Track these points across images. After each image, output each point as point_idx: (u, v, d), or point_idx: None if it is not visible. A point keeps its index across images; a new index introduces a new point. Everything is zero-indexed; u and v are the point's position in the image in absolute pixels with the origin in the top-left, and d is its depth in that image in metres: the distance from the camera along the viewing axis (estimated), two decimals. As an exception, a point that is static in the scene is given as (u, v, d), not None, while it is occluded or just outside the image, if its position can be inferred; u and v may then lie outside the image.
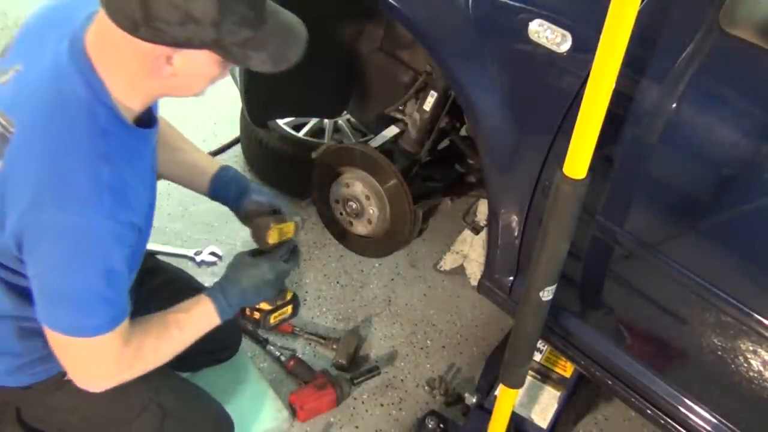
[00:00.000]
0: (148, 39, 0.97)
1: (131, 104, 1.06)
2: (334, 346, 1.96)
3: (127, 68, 1.03)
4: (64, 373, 1.26)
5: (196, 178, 1.45)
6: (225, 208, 1.47)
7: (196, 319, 1.25)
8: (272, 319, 1.48)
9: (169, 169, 1.42)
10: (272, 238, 1.37)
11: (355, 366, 1.95)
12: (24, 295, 1.14)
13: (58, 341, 1.09)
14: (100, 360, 1.12)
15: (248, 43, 1.01)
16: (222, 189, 1.45)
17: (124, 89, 1.04)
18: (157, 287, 1.55)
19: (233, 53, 1.02)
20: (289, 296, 1.49)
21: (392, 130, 1.73)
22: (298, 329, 2.02)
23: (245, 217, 1.45)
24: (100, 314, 1.06)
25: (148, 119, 1.15)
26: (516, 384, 1.44)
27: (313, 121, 2.54)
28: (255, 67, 1.05)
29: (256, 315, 1.46)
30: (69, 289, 1.04)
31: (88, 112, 1.02)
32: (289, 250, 1.43)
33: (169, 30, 0.95)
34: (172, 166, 1.42)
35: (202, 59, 1.02)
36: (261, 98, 1.90)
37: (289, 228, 1.41)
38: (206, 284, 1.58)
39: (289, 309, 1.50)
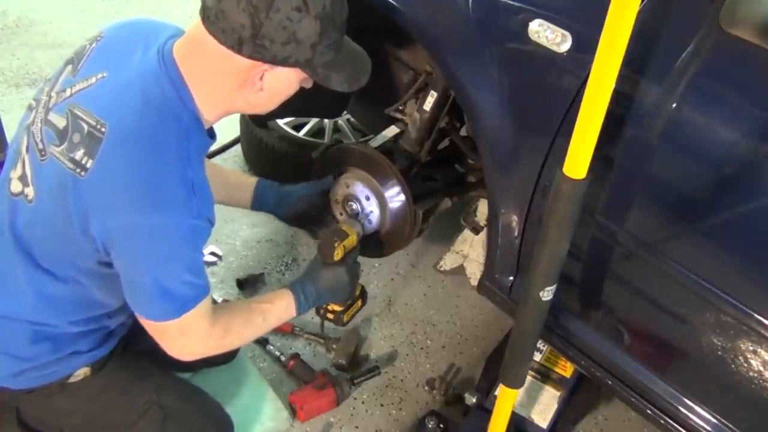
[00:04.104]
0: (249, 55, 1.03)
1: (208, 116, 1.13)
2: (334, 346, 1.97)
3: (216, 82, 1.09)
4: (66, 377, 1.28)
5: (240, 194, 1.53)
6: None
7: (278, 310, 1.35)
8: (345, 317, 1.60)
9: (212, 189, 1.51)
10: (338, 255, 1.43)
11: (355, 366, 1.95)
12: (46, 300, 1.19)
13: (150, 325, 1.16)
14: (190, 338, 1.19)
15: (331, 64, 1.12)
16: (262, 199, 1.53)
17: (206, 102, 1.10)
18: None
19: (318, 73, 1.12)
20: (357, 291, 1.59)
21: (392, 130, 1.73)
22: (298, 329, 2.02)
23: (295, 222, 1.58)
24: (183, 297, 1.12)
25: (210, 132, 1.21)
26: (516, 384, 1.44)
27: (313, 121, 2.55)
28: (333, 86, 1.15)
29: (330, 315, 1.58)
30: (159, 284, 1.09)
31: (174, 114, 1.07)
32: (357, 256, 1.52)
33: (272, 48, 1.02)
34: (215, 185, 1.48)
35: (288, 77, 1.11)
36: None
37: (351, 241, 1.48)
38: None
39: (359, 303, 1.62)
